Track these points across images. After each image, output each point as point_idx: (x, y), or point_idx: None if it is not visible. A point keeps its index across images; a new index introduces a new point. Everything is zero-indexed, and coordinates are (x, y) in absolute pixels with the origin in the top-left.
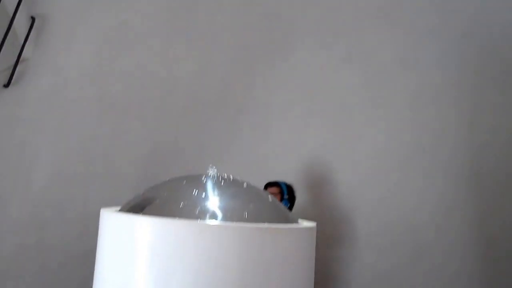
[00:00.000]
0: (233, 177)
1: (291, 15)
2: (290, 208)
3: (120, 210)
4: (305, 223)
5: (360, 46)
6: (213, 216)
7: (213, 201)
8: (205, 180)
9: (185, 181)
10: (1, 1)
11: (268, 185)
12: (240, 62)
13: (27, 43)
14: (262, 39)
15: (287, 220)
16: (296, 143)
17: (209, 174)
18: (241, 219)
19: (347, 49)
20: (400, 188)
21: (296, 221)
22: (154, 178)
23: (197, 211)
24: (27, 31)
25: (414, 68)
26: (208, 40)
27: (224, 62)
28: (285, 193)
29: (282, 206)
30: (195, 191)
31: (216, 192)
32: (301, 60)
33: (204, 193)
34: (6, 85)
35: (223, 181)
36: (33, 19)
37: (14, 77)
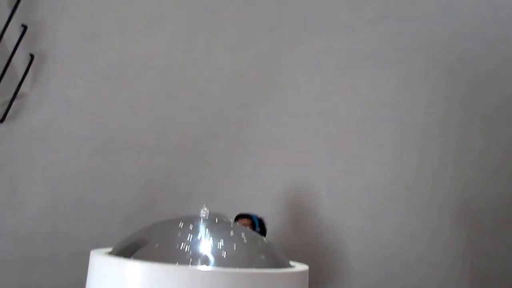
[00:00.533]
0: (226, 219)
1: (284, 53)
2: None
3: (111, 253)
4: (298, 267)
5: (349, 83)
6: (205, 261)
7: (205, 245)
8: (197, 223)
9: (176, 223)
10: (1, 39)
11: (240, 217)
12: (235, 98)
13: (25, 79)
14: (256, 75)
15: (280, 263)
16: (288, 177)
17: (202, 215)
18: (233, 264)
19: (337, 87)
20: (394, 224)
21: (288, 264)
22: (147, 213)
23: (189, 256)
24: (25, 67)
25: (404, 106)
26: (203, 75)
27: (218, 97)
28: (256, 225)
29: (274, 248)
30: (187, 234)
31: (208, 236)
32: (292, 97)
33: (196, 237)
34: (1, 120)
35: (215, 223)
36: (32, 56)
37: (10, 112)
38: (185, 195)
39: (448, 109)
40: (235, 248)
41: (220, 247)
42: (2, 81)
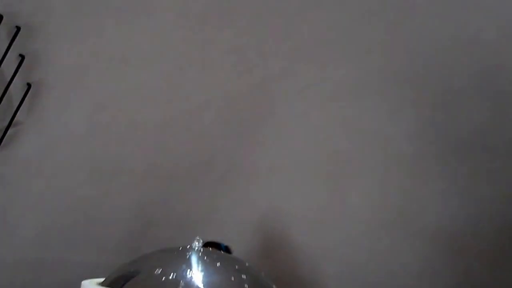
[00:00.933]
0: (218, 251)
1: (277, 83)
2: None
3: (102, 283)
4: None
5: (339, 113)
6: None
7: (197, 276)
8: (189, 254)
9: (168, 254)
10: None
11: (208, 245)
12: (227, 126)
13: (21, 108)
14: (248, 104)
15: None
16: (278, 209)
17: (194, 246)
18: None
19: (327, 117)
20: (383, 253)
21: None
22: (140, 242)
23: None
24: (22, 96)
25: (392, 137)
26: (196, 103)
27: (211, 126)
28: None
29: (266, 281)
30: (179, 265)
31: (200, 267)
32: (284, 126)
33: (188, 268)
34: None
35: (208, 254)
36: (29, 85)
37: (4, 140)
38: (179, 222)
39: (436, 140)
40: (227, 280)
41: (212, 279)
42: None
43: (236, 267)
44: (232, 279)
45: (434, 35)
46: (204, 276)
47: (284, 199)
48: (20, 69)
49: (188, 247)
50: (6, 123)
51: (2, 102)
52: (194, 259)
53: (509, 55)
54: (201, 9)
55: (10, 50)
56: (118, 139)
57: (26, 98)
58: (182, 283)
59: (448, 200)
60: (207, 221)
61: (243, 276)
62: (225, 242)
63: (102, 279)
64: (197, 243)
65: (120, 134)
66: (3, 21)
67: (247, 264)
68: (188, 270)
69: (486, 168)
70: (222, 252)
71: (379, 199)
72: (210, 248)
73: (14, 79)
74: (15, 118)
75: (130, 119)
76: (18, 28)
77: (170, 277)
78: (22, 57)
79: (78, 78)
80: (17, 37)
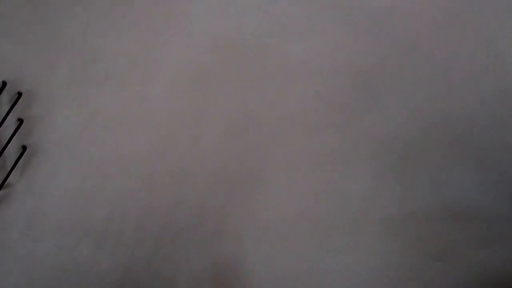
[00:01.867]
0: None
1: (267, 149)
2: None
3: None
4: None
5: (327, 178)
6: None
7: None
8: None
9: None
10: None
11: None
12: (218, 190)
13: (15, 169)
14: (239, 168)
15: None
16: (270, 271)
17: None
18: None
19: (316, 182)
20: None
21: None
22: None
23: None
24: (16, 158)
25: (380, 200)
26: (186, 167)
27: (201, 189)
28: None
29: None
30: None
31: None
32: (274, 191)
33: None
34: None
35: None
36: (24, 148)
37: None
38: (165, 286)
39: (423, 204)
40: None
41: None
42: None
43: None
44: None
45: (417, 106)
46: None
47: (272, 261)
48: (17, 132)
49: None
50: None
51: None
52: None
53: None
54: (192, 79)
55: (10, 114)
56: (108, 203)
57: (20, 160)
58: None
59: (443, 264)
60: (195, 283)
61: None
62: None
63: None
64: None
65: (110, 197)
66: (6, 87)
67: None
68: None
69: (472, 235)
70: None
71: (369, 263)
72: None
73: (11, 142)
74: (7, 180)
75: (121, 182)
76: (20, 94)
77: None
78: (20, 121)
79: (73, 142)
80: (18, 102)
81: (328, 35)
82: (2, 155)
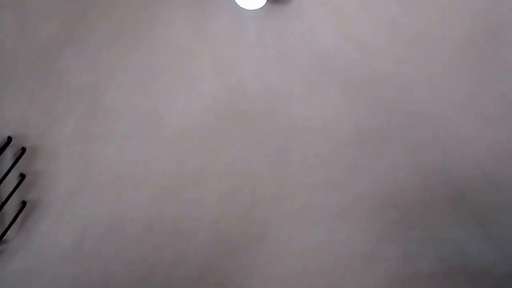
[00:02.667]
0: None
1: (268, 207)
2: None
3: None
4: None
5: (329, 235)
6: None
7: None
8: None
9: None
10: None
11: None
12: (221, 247)
13: (13, 225)
14: (242, 226)
15: None
16: None
17: None
18: None
19: (317, 239)
20: None
21: None
22: None
23: None
24: (15, 213)
25: (381, 258)
26: (190, 224)
27: (205, 246)
28: None
29: None
30: None
31: None
32: (276, 249)
33: None
34: None
35: None
36: (24, 203)
37: None
38: None
39: (425, 262)
40: None
41: None
42: None
43: None
44: None
45: (417, 165)
46: None
47: None
48: (19, 187)
49: None
50: None
51: None
52: None
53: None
54: (195, 137)
55: (13, 169)
56: (106, 259)
57: (19, 216)
58: None
59: None
60: None
61: None
62: None
63: None
64: None
65: (108, 254)
66: (11, 143)
67: None
68: None
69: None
70: None
71: None
72: None
73: (11, 197)
74: (5, 236)
75: (121, 239)
76: (24, 150)
77: None
78: (22, 177)
79: (74, 199)
80: (21, 158)
81: (327, 97)
82: (2, 211)
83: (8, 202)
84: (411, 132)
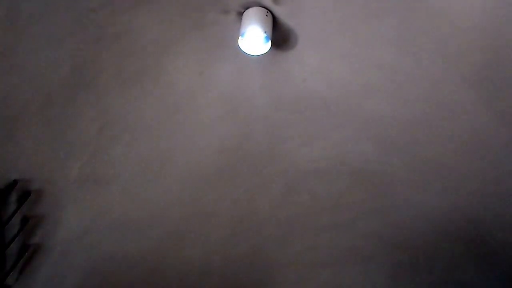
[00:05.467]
0: None
1: (274, 250)
2: None
3: None
4: None
5: (336, 278)
6: None
7: None
8: None
9: None
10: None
11: None
12: None
13: (14, 269)
14: (247, 270)
15: None
16: None
17: None
18: None
19: (324, 283)
20: None
21: None
22: None
23: None
24: (16, 258)
25: None
26: (194, 269)
27: None
28: None
29: None
30: None
31: None
32: None
33: None
34: None
35: None
36: (27, 247)
37: None
38: None
39: None
40: None
41: None
42: None
43: None
44: None
45: (423, 207)
46: None
47: None
48: (22, 231)
49: None
50: None
51: None
52: None
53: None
54: (200, 178)
55: (17, 213)
56: None
57: (21, 260)
58: None
59: None
60: None
61: None
62: None
63: None
64: None
65: None
66: (16, 186)
67: None
68: None
69: None
70: None
71: None
72: None
73: (14, 241)
74: (6, 280)
75: (123, 285)
76: (29, 193)
77: None
78: (26, 220)
79: (77, 242)
80: (26, 201)
81: (332, 139)
82: (3, 255)
83: (10, 245)
84: (413, 174)
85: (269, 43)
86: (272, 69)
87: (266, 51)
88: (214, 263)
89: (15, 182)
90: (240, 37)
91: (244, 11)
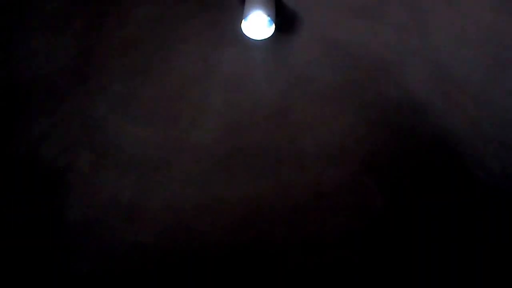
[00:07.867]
0: None
1: (279, 238)
2: None
3: None
4: None
5: None
6: None
7: None
8: None
9: None
10: None
11: None
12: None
13: None
14: (255, 257)
15: None
16: None
17: None
18: None
19: None
20: None
21: None
22: None
23: None
24: None
25: None
26: (206, 256)
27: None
28: None
29: None
30: None
31: None
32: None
33: None
34: None
35: None
36: None
37: None
38: None
39: None
40: None
41: None
42: None
43: None
44: None
45: None
46: None
47: None
48: None
49: None
50: None
51: None
52: None
53: None
54: (209, 160)
55: None
56: None
57: None
58: None
59: None
60: None
61: None
62: None
63: None
64: None
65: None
66: None
67: None
68: None
69: None
70: None
71: None
72: None
73: None
74: None
75: (133, 271)
76: None
77: None
78: None
79: (86, 229)
80: None
81: (338, 124)
82: None
83: None
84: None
85: (273, 27)
86: (276, 52)
87: (270, 35)
88: (224, 248)
89: None
90: (243, 21)
91: None
